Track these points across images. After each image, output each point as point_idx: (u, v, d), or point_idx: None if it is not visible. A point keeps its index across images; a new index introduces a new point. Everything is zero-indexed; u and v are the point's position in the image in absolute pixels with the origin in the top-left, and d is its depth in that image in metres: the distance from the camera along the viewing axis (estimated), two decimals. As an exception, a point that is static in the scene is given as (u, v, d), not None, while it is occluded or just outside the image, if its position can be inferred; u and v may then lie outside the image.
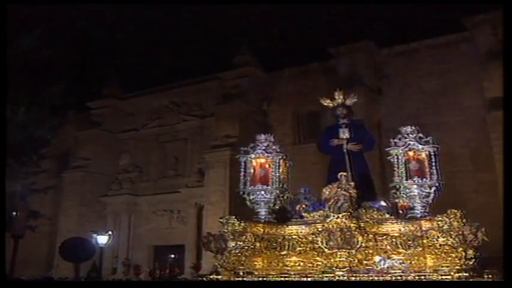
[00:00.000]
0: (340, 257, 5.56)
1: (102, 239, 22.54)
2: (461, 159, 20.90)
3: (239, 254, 6.01)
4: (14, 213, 15.28)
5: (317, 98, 8.44)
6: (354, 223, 5.65)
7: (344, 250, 5.56)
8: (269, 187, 6.54)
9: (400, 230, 5.74)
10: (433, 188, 5.88)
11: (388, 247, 5.69)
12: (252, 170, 6.69)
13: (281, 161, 6.70)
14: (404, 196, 5.95)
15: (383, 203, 6.50)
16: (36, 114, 17.55)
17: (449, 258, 5.32)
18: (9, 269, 12.65)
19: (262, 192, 6.53)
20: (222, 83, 26.77)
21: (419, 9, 29.47)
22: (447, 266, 5.31)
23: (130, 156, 29.36)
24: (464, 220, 5.35)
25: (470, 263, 5.27)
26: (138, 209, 27.91)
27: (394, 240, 5.71)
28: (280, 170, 6.67)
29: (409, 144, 6.02)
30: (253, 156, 6.70)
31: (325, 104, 8.10)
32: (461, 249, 5.27)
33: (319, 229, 5.93)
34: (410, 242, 5.64)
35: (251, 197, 6.61)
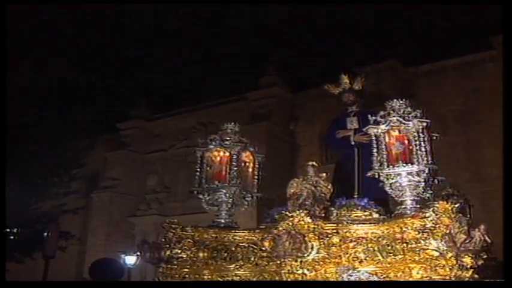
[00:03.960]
0: (290, 267, 4.19)
1: (131, 260, 22.62)
2: (491, 179, 20.59)
3: (176, 267, 4.90)
4: (45, 233, 15.55)
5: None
6: (315, 224, 4.28)
7: (294, 258, 4.19)
8: (226, 185, 5.35)
9: (382, 232, 4.31)
10: (423, 175, 4.43)
11: (362, 254, 4.28)
12: (209, 166, 5.62)
13: (245, 153, 5.63)
14: (389, 188, 4.55)
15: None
16: (67, 136, 17.91)
17: (438, 269, 3.89)
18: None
19: (224, 190, 5.34)
20: (249, 104, 26.34)
21: (445, 27, 29.39)
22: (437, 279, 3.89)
23: (158, 177, 29.26)
24: (457, 216, 3.92)
25: (467, 274, 3.83)
26: (166, 229, 28.02)
27: (371, 245, 4.28)
28: (249, 165, 5.64)
29: (390, 121, 4.60)
30: (212, 147, 5.61)
31: (331, 90, 6.93)
32: (450, 255, 3.83)
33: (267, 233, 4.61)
34: (389, 248, 4.20)
35: (207, 197, 5.46)
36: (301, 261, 4.19)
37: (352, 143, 6.50)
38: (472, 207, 6.72)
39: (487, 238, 3.86)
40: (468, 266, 3.86)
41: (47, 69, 17.04)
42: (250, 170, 5.68)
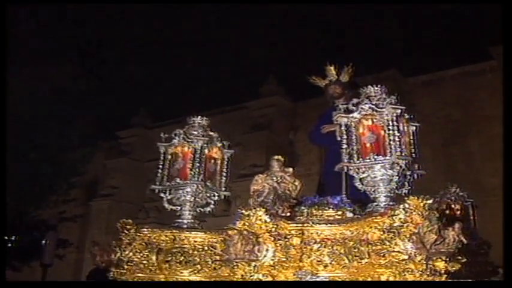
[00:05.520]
0: (243, 272, 3.67)
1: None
2: (491, 189, 20.53)
3: (125, 272, 4.42)
4: (43, 241, 15.50)
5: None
6: (274, 224, 3.76)
7: (247, 262, 3.66)
8: (188, 182, 4.85)
9: (352, 233, 3.78)
10: (397, 169, 3.87)
11: (327, 258, 3.77)
12: (172, 163, 5.09)
13: (213, 148, 5.12)
14: (360, 184, 4.01)
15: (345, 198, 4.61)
16: (68, 144, 17.88)
17: (406, 274, 3.33)
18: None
19: (188, 189, 4.86)
20: (249, 113, 26.13)
21: (445, 38, 29.46)
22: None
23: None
24: (429, 213, 3.36)
25: (442, 279, 3.30)
26: (164, 237, 27.82)
27: (337, 247, 3.77)
28: (218, 162, 5.14)
29: (362, 109, 4.08)
30: (175, 142, 5.09)
31: (316, 83, 6.48)
32: (420, 258, 3.29)
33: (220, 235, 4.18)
34: (355, 250, 3.68)
35: (168, 196, 5.00)
36: (255, 266, 3.69)
37: (338, 138, 5.93)
38: (476, 208, 6.47)
39: (462, 238, 3.34)
40: (442, 271, 3.35)
41: (47, 76, 17.03)
42: (218, 167, 5.20)
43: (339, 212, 4.34)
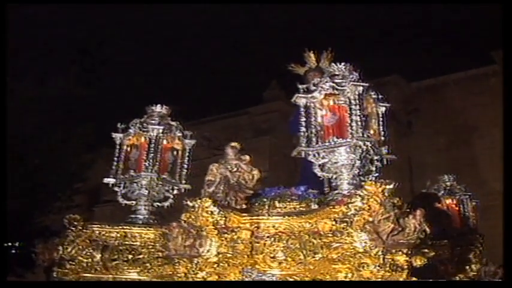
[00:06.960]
0: (186, 269, 3.24)
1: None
2: (495, 193, 20.43)
3: (67, 271, 4.02)
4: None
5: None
6: (223, 217, 3.30)
7: (188, 259, 3.22)
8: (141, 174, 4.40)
9: (311, 225, 3.27)
10: (359, 152, 3.41)
11: (281, 254, 3.27)
12: (128, 154, 4.67)
13: (172, 139, 4.76)
14: (319, 170, 3.57)
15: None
16: (71, 150, 17.88)
17: (362, 270, 2.88)
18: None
19: (143, 182, 4.44)
20: (252, 118, 26.17)
21: (448, 42, 29.48)
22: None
23: (161, 191, 29.41)
24: (385, 199, 2.87)
25: (401, 277, 2.81)
26: (168, 243, 27.78)
27: (292, 242, 3.27)
28: (179, 153, 4.77)
29: (322, 88, 3.61)
30: (131, 132, 4.69)
31: (295, 70, 6.01)
32: (376, 250, 2.81)
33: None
34: (310, 244, 3.18)
35: (123, 190, 4.60)
36: (197, 262, 3.24)
37: None
38: (472, 204, 6.13)
39: (425, 227, 2.84)
40: (404, 266, 2.87)
41: (50, 82, 17.07)
42: (179, 159, 4.80)
43: (303, 204, 3.82)
